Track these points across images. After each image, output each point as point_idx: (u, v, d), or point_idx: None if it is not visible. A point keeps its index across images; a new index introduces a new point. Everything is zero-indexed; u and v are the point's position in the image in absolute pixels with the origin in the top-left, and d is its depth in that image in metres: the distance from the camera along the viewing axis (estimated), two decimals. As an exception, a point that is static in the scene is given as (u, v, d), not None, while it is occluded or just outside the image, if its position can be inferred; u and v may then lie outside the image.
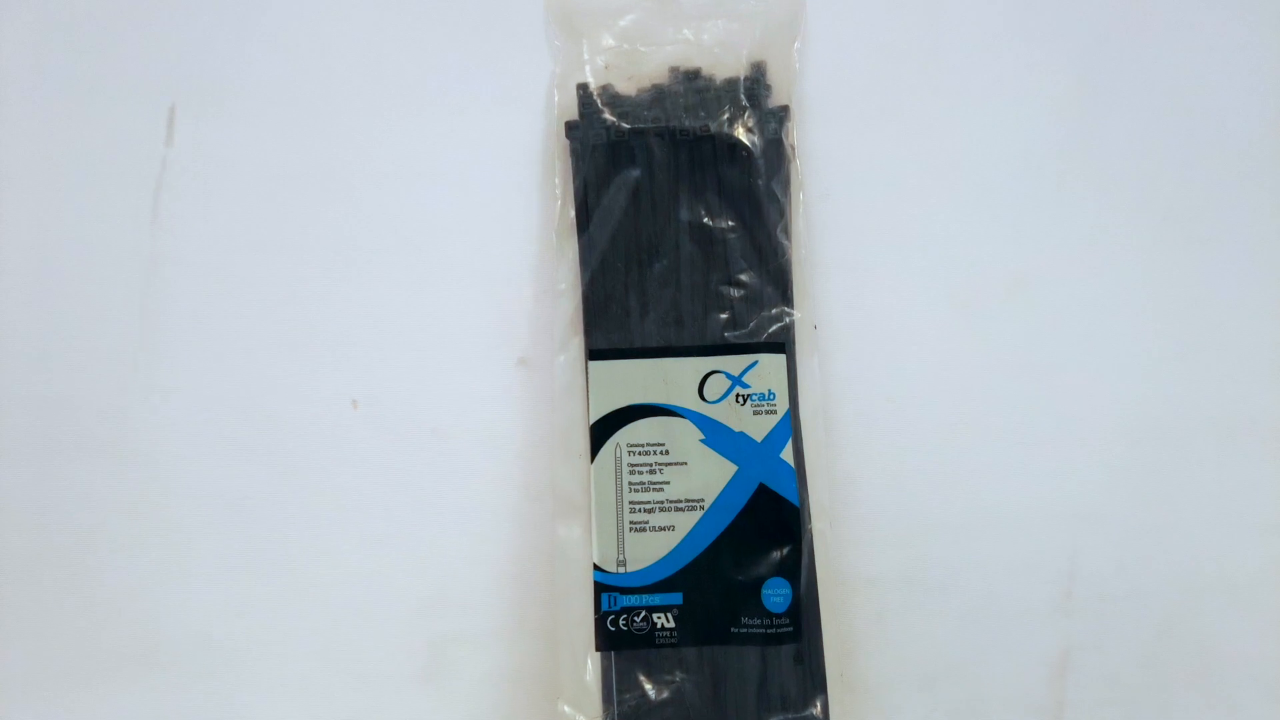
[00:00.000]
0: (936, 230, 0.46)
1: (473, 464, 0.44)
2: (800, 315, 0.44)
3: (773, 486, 0.42)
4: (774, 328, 0.44)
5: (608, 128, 0.44)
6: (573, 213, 0.45)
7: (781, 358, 0.43)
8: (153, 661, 0.42)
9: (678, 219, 0.44)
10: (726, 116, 0.44)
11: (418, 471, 0.44)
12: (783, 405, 0.43)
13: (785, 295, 0.44)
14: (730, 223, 0.44)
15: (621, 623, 0.41)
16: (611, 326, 0.44)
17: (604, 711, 0.40)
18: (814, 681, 0.41)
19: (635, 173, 0.44)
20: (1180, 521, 0.43)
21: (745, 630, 0.41)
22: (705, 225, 0.44)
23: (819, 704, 0.40)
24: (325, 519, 0.43)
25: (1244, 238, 0.46)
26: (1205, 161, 0.47)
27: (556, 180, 0.46)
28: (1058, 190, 0.46)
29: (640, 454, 0.42)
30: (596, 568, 0.41)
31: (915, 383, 0.45)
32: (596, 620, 0.41)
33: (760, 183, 0.44)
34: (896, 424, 0.44)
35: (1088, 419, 0.44)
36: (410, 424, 0.44)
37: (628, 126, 0.44)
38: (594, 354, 0.43)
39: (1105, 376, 0.44)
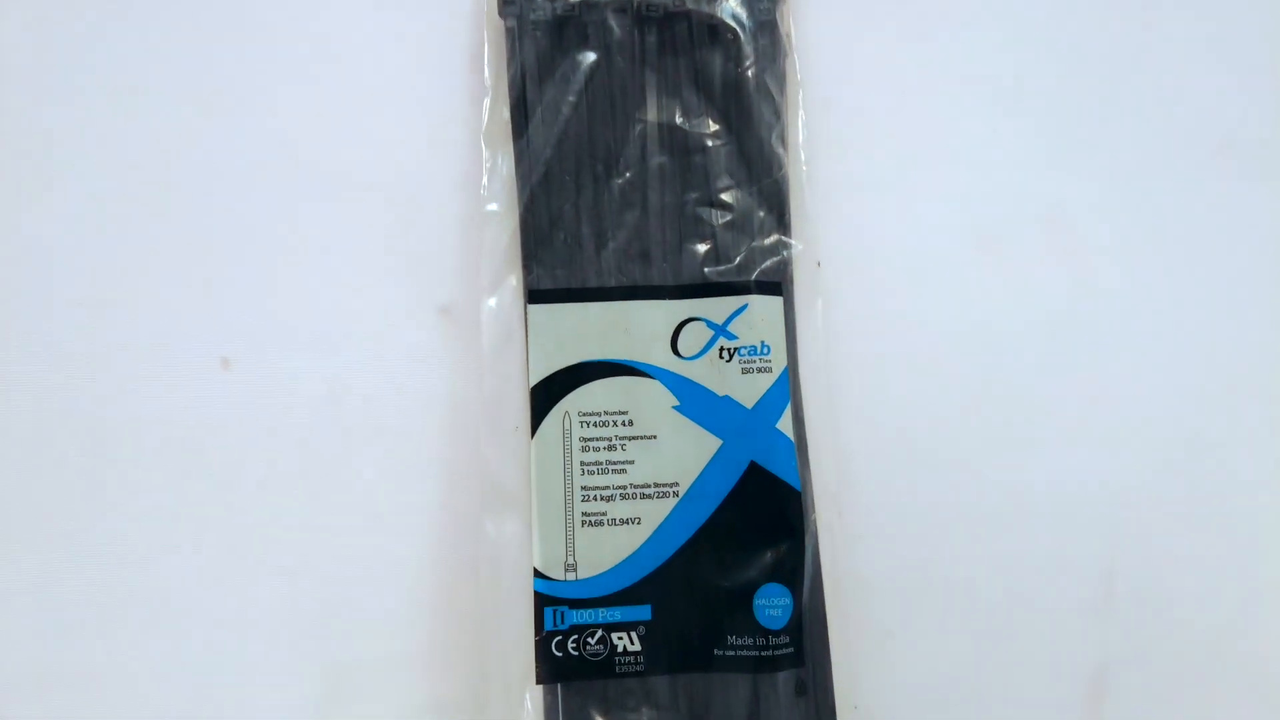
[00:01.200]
0: (962, 150, 0.38)
1: (378, 441, 0.35)
2: (801, 248, 0.35)
3: (767, 465, 0.33)
4: (768, 263, 0.34)
5: (553, 1, 0.34)
6: (507, 112, 0.35)
7: (778, 301, 0.34)
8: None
9: (644, 119, 0.34)
10: (707, -13, 0.34)
11: (307, 452, 0.35)
12: (779, 362, 0.33)
13: (782, 221, 0.35)
14: (712, 125, 0.34)
15: (571, 646, 0.32)
16: (557, 261, 0.34)
17: (548, 765, 0.31)
18: (821, 717, 0.32)
19: (588, 58, 0.34)
20: (1239, 510, 0.37)
21: (733, 653, 0.32)
22: (680, 128, 0.35)
23: (828, 746, 0.31)
24: (188, 513, 0.35)
25: None
26: (1272, 88, 0.40)
27: (486, 69, 0.36)
28: (1104, 109, 0.39)
29: (595, 425, 0.33)
30: (538, 574, 0.32)
31: (934, 337, 0.37)
32: (538, 643, 0.32)
33: (750, 74, 0.34)
34: (910, 389, 0.36)
35: (1135, 386, 0.38)
36: (297, 390, 0.35)
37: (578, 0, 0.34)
38: (535, 296, 0.34)
39: (1155, 333, 0.38)
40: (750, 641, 0.32)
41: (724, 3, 0.35)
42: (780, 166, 0.35)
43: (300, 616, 0.34)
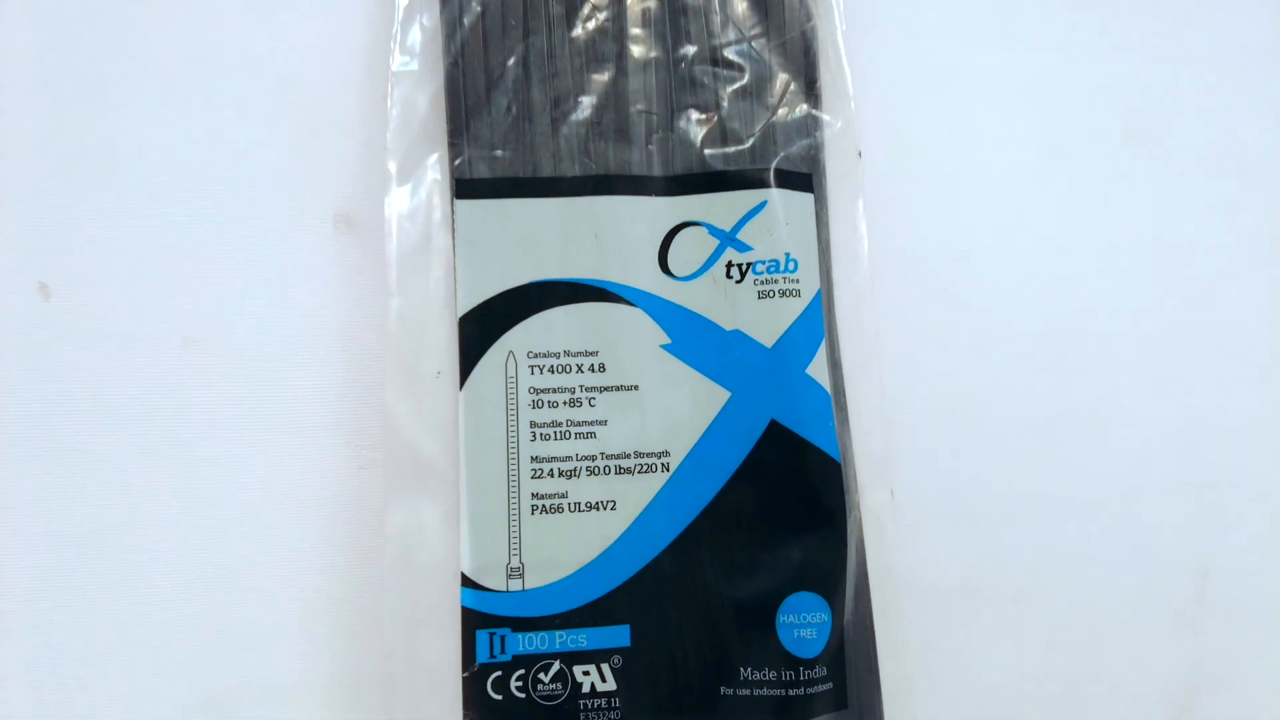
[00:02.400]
0: (1039, 19, 0.30)
1: (247, 398, 0.26)
2: (839, 126, 0.26)
3: (793, 426, 0.24)
4: (793, 147, 0.25)
5: None
6: (427, -69, 0.25)
7: (807, 199, 0.25)
8: None
9: (620, -60, 0.25)
10: None
11: (153, 413, 0.26)
12: (810, 284, 0.24)
13: (812, 90, 0.26)
14: (717, -48, 0.25)
15: (515, 685, 0.23)
16: (497, 139, 0.24)
17: None
18: (873, 783, 0.23)
19: None
20: None
21: (747, 692, 0.23)
22: (671, -47, 0.25)
23: (883, 825, 0.22)
24: (5, 495, 0.26)
25: None
26: None
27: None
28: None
29: (551, 371, 0.24)
30: (468, 582, 0.23)
31: (1013, 256, 0.29)
32: (467, 681, 0.23)
33: (769, -119, 0.25)
34: (976, 322, 0.29)
35: (1243, 335, 0.31)
36: (138, 331, 0.27)
37: None
38: (464, 188, 0.25)
39: (1264, 268, 0.31)
40: (773, 676, 0.23)
41: None
42: (809, 16, 0.26)
43: (155, 639, 0.25)
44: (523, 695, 0.23)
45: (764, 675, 0.23)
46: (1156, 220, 0.31)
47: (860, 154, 0.26)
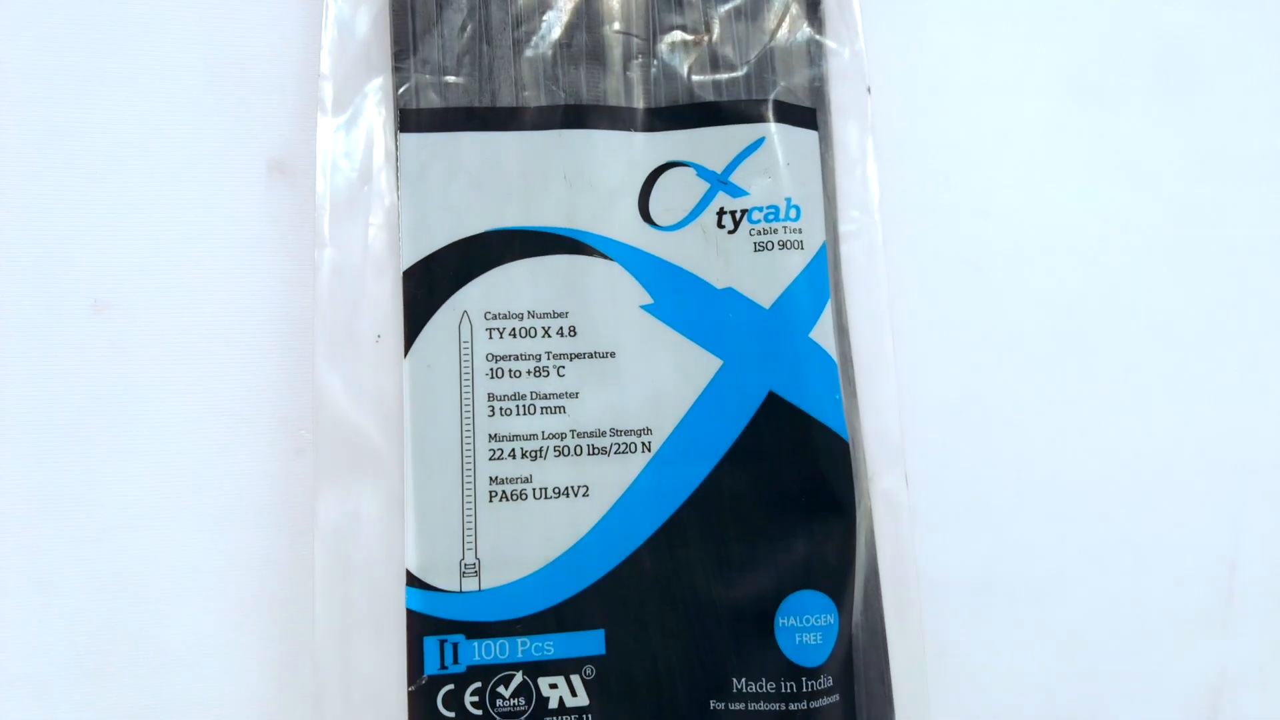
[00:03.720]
0: None
1: (168, 369, 0.23)
2: (847, 55, 0.22)
3: (794, 399, 0.21)
4: (797, 76, 0.22)
5: None
6: None
7: (811, 136, 0.22)
8: None
9: None
10: None
11: (58, 384, 0.23)
12: (814, 234, 0.21)
13: (815, 12, 0.22)
14: None
15: (470, 701, 0.20)
16: (449, 62, 0.21)
17: None
18: (886, 811, 0.20)
19: None
20: None
21: (741, 706, 0.20)
22: None
23: None
24: None
25: None
26: None
27: None
28: None
29: (514, 335, 0.21)
30: (414, 581, 0.20)
31: (1029, 210, 0.27)
32: (413, 695, 0.20)
33: None
34: (995, 289, 0.26)
35: (1271, 306, 0.28)
36: (45, 293, 0.24)
37: None
38: (410, 120, 0.21)
39: None
40: (772, 688, 0.20)
41: None
42: (814, -75, 0.22)
43: (67, 647, 0.23)
44: (479, 712, 0.19)
45: (761, 687, 0.20)
46: (1192, 176, 0.28)
47: (870, 89, 0.23)
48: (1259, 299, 0.29)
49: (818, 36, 0.22)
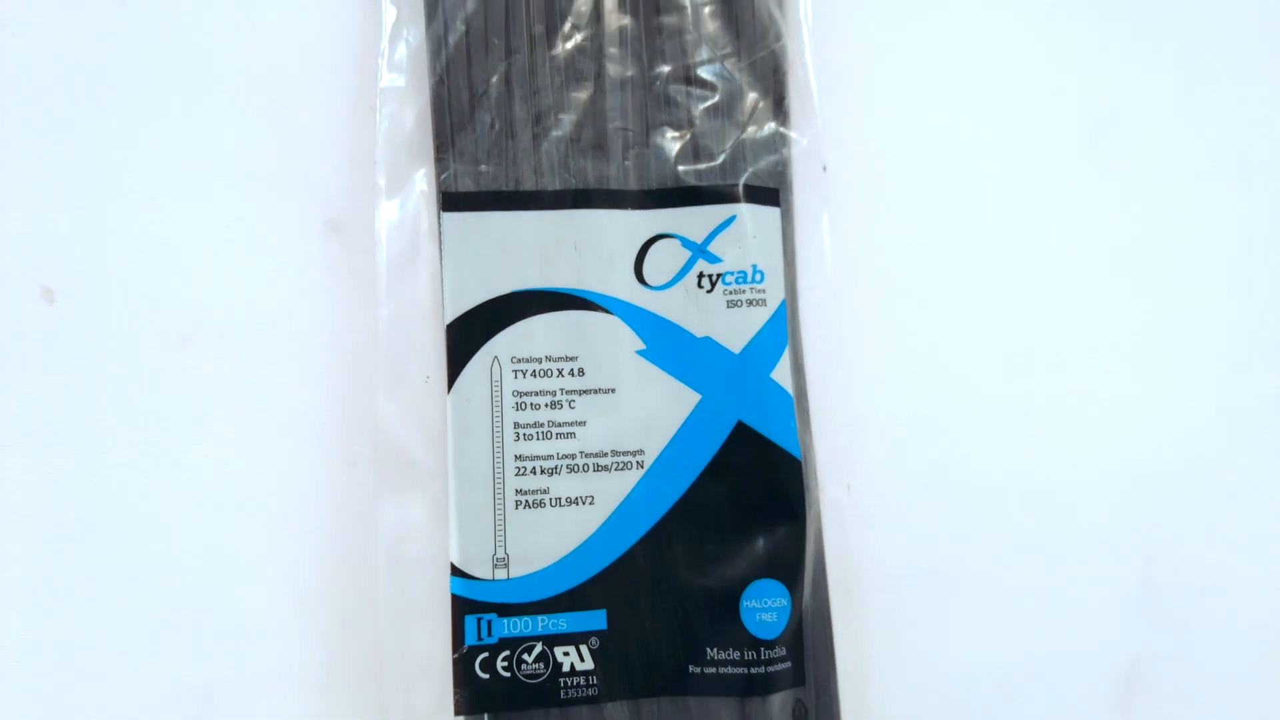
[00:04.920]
0: (1005, 33, 0.32)
1: (243, 397, 0.27)
2: (805, 143, 0.27)
3: (758, 427, 0.26)
4: (761, 163, 0.27)
5: None
6: (413, -49, 0.26)
7: (774, 213, 0.27)
8: None
9: (599, -36, 0.26)
10: None
11: (151, 412, 0.27)
12: (776, 293, 0.26)
13: (780, 108, 0.27)
14: (690, -25, 0.26)
15: (501, 665, 0.24)
16: (481, 154, 0.26)
17: (469, 824, 0.23)
18: (827, 751, 0.25)
19: (524, -123, 0.25)
20: None
21: (714, 670, 0.25)
22: (647, -23, 0.26)
23: (835, 789, 0.25)
24: (7, 493, 0.27)
25: None
26: None
27: (385, -101, 0.27)
28: (1164, 6, 0.33)
29: (534, 375, 0.26)
30: (457, 572, 0.25)
31: (972, 264, 0.31)
32: (457, 663, 0.25)
33: (740, -93, 0.26)
34: (935, 333, 0.30)
35: (1192, 330, 0.32)
36: (138, 332, 0.28)
37: None
38: (451, 201, 0.26)
39: (1218, 267, 0.32)
40: (737, 655, 0.25)
41: None
42: (778, 36, 0.27)
43: (153, 629, 0.27)
44: (508, 674, 0.24)
45: (729, 655, 0.25)
46: (1114, 224, 0.32)
47: (825, 168, 0.28)
48: (1168, 323, 0.32)
49: (781, 129, 0.27)
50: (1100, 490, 0.32)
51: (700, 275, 0.26)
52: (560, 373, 0.26)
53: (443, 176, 0.26)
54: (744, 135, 0.27)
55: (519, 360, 0.25)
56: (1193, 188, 0.32)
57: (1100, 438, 0.31)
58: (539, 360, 0.25)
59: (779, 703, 0.25)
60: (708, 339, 0.26)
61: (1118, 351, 0.32)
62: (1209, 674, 0.31)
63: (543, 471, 0.25)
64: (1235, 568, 0.32)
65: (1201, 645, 0.31)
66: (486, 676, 0.24)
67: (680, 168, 0.26)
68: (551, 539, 0.25)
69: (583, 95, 0.26)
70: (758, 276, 0.26)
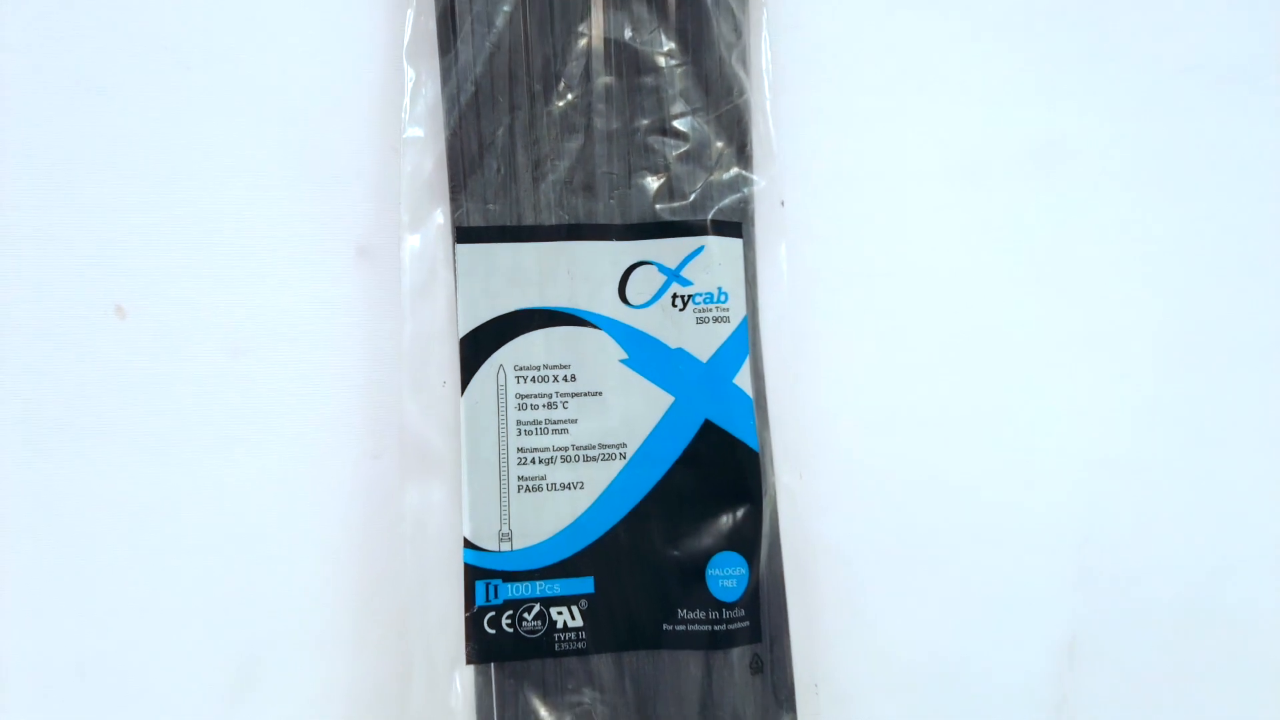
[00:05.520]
0: (945, 79, 0.35)
1: (288, 399, 0.32)
2: (763, 184, 0.32)
3: (723, 424, 0.30)
4: (726, 200, 0.31)
5: (483, -107, 0.30)
6: (432, 23, 0.31)
7: (737, 244, 0.31)
8: None
9: (588, 34, 0.31)
10: (661, -117, 0.30)
11: (208, 411, 0.32)
12: (738, 311, 0.30)
13: (743, 153, 0.31)
14: (665, 43, 0.31)
15: (505, 623, 0.29)
16: (489, 194, 0.30)
17: (479, 754, 0.28)
18: (779, 697, 0.30)
19: (525, -39, 0.30)
20: (1220, 475, 0.35)
21: (683, 628, 0.30)
22: (628, 45, 0.31)
23: (786, 728, 0.29)
24: (77, 481, 0.31)
25: None
26: (1273, 18, 0.37)
27: (408, -25, 0.32)
28: (1100, 34, 0.36)
29: (533, 381, 0.30)
30: (468, 545, 0.29)
31: (913, 287, 0.34)
32: (468, 620, 0.29)
33: (709, -15, 0.31)
34: (886, 342, 0.34)
35: (1118, 339, 0.35)
36: (198, 342, 0.32)
37: (513, -108, 0.30)
38: (463, 234, 0.30)
39: (1142, 283, 0.35)
40: (703, 615, 0.29)
41: (679, -99, 0.31)
42: (741, 91, 0.31)
43: (206, 596, 0.31)
44: (511, 630, 0.29)
45: (696, 615, 0.30)
46: (1058, 241, 0.34)
47: (783, 203, 0.32)
48: (1101, 330, 0.35)
49: (743, 172, 0.31)
50: (1038, 482, 0.34)
51: (674, 296, 0.31)
52: (556, 378, 0.30)
53: (456, 213, 0.30)
54: (711, 177, 0.31)
55: (521, 368, 0.30)
56: (1125, 207, 0.35)
57: (1038, 434, 0.34)
58: (538, 368, 0.30)
59: (738, 655, 0.30)
60: (680, 350, 0.30)
61: (1054, 356, 0.35)
62: (1142, 648, 0.34)
63: (541, 461, 0.30)
64: (1162, 552, 0.35)
65: (1134, 622, 0.34)
66: (493, 632, 0.29)
67: (657, 205, 0.31)
68: (548, 518, 0.29)
69: (575, 144, 0.31)
70: (723, 297, 0.31)
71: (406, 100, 0.31)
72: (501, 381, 0.30)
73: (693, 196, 0.31)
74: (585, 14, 0.31)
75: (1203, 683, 0.34)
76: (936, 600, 0.33)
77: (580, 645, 0.29)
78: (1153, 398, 0.35)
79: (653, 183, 0.31)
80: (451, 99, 0.30)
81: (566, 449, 0.30)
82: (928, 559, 0.33)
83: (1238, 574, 0.35)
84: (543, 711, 0.29)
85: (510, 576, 0.29)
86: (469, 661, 0.29)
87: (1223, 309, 0.36)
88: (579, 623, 0.29)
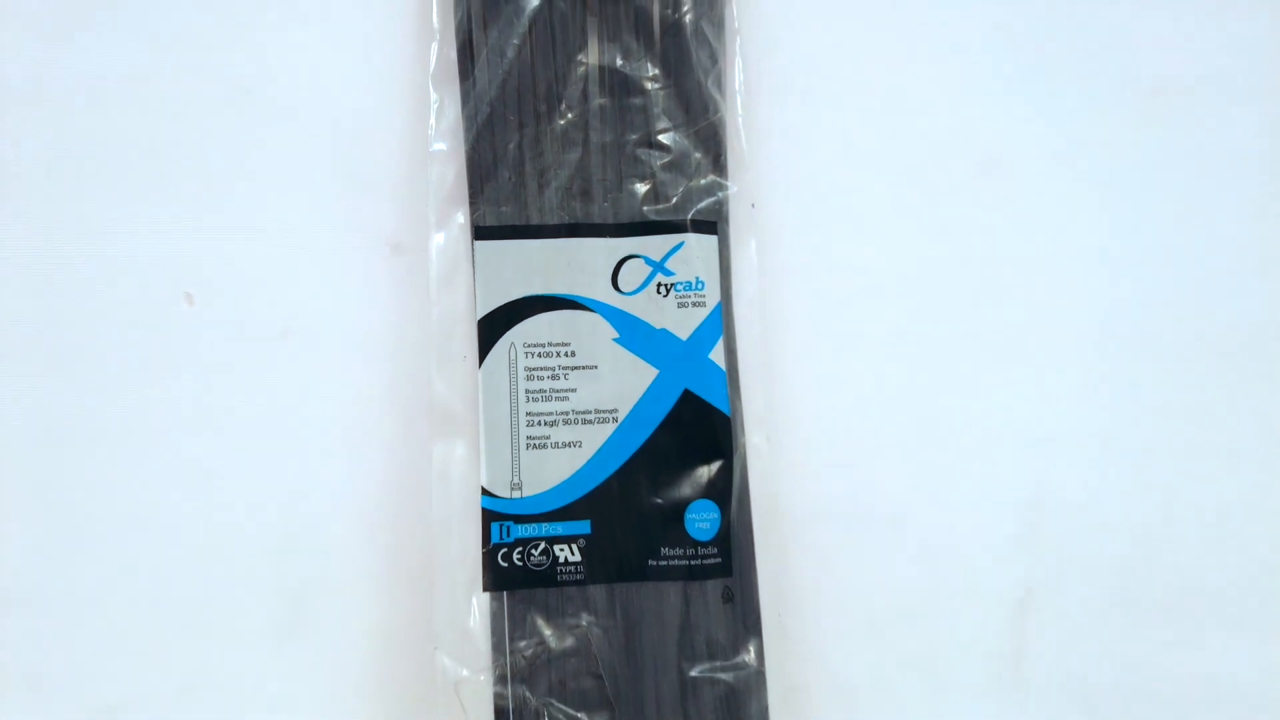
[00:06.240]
0: (898, 98, 0.39)
1: (333, 371, 0.37)
2: (736, 189, 0.37)
3: (700, 393, 0.35)
4: (704, 203, 0.36)
5: (497, -56, 0.35)
6: (452, 54, 0.36)
7: (713, 239, 0.36)
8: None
9: (585, 62, 0.36)
10: (646, -67, 0.35)
11: (266, 381, 0.36)
12: (713, 297, 0.35)
13: (718, 163, 0.36)
14: (651, 69, 0.36)
15: (516, 557, 0.34)
16: (502, 198, 0.35)
17: (493, 663, 0.33)
18: (746, 623, 0.35)
19: (532, 3, 0.35)
20: (1156, 447, 0.39)
21: (665, 563, 0.34)
22: (620, 71, 0.36)
23: (752, 650, 0.34)
24: (154, 440, 0.36)
25: (1238, 126, 0.40)
26: (1201, 37, 0.40)
27: (434, 14, 0.37)
28: (1039, 64, 0.40)
29: (539, 356, 0.35)
30: (485, 492, 0.34)
31: (869, 276, 0.38)
32: (485, 555, 0.34)
33: (688, 20, 0.36)
34: (847, 325, 0.38)
35: (1058, 326, 0.39)
36: (256, 323, 0.37)
37: (522, -58, 0.35)
38: (480, 233, 0.35)
39: (1080, 278, 0.39)
40: (681, 552, 0.34)
41: (663, -52, 0.36)
42: (716, 110, 0.36)
43: (262, 539, 0.35)
44: (520, 564, 0.34)
45: (676, 552, 0.34)
46: (999, 238, 0.38)
47: (753, 205, 0.38)
48: (1044, 310, 0.38)
49: (718, 179, 0.36)
50: (987, 452, 0.37)
51: (659, 284, 0.36)
52: (558, 354, 0.35)
53: (475, 215, 0.35)
54: (691, 183, 0.36)
55: (529, 345, 0.35)
56: (1057, 208, 0.39)
57: (985, 410, 0.37)
58: (543, 345, 0.35)
59: (712, 587, 0.35)
60: (664, 330, 0.35)
61: (998, 340, 0.38)
62: (1087, 600, 0.37)
63: (545, 424, 0.35)
64: (1103, 516, 0.37)
65: (1078, 578, 0.37)
66: (505, 565, 0.34)
67: (645, 207, 0.35)
68: (551, 471, 0.34)
69: (574, 156, 0.36)
70: (700, 285, 0.36)
71: (432, 120, 0.36)
72: (513, 357, 0.35)
73: (675, 200, 0.36)
74: (583, 45, 0.36)
75: (1143, 630, 0.37)
76: (893, 550, 0.37)
77: (578, 577, 0.34)
78: (1090, 379, 0.38)
79: (641, 188, 0.36)
80: (470, 118, 0.35)
81: (567, 413, 0.35)
82: (884, 515, 0.37)
83: (1171, 534, 0.38)
84: (547, 632, 0.34)
85: (520, 519, 0.34)
86: (485, 589, 0.34)
87: (1151, 299, 0.39)
88: (577, 558, 0.34)
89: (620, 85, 0.36)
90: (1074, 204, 0.39)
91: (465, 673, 0.34)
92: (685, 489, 0.35)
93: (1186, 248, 0.40)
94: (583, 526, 0.34)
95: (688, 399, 0.35)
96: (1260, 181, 0.40)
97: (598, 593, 0.34)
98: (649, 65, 0.36)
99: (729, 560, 0.35)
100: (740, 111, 0.37)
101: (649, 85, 0.36)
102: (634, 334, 0.35)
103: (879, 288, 0.38)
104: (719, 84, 0.37)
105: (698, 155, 0.36)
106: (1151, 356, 0.39)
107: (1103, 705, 0.37)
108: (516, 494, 0.34)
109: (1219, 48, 0.41)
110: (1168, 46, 0.40)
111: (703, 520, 0.35)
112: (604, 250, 0.35)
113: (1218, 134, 0.40)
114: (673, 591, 0.35)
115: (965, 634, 0.37)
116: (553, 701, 0.33)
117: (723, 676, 0.34)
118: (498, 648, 0.34)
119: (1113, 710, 0.37)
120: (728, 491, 0.35)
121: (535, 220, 0.35)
